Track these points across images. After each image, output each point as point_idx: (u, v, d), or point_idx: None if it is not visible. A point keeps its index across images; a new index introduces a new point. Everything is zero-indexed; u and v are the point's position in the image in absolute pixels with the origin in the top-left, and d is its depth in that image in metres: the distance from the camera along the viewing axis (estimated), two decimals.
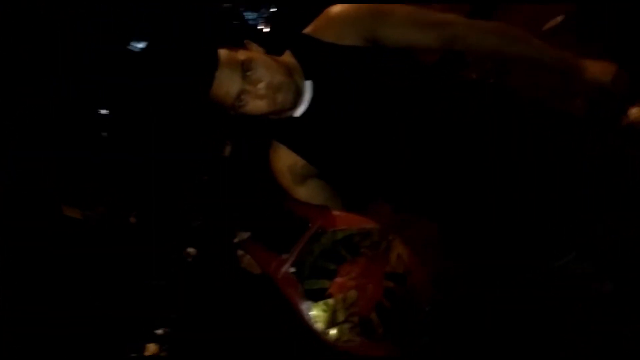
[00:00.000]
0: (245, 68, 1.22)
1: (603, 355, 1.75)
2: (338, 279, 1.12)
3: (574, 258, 1.32)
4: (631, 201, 1.46)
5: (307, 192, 1.34)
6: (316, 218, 1.20)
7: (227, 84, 1.21)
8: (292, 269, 1.13)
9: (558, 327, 1.91)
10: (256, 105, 1.24)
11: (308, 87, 1.29)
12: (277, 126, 1.35)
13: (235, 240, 1.22)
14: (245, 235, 1.22)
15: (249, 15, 3.10)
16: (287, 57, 1.33)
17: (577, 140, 1.29)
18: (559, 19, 2.46)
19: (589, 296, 1.84)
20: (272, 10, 3.12)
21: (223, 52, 1.22)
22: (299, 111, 1.30)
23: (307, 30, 1.32)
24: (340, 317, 1.09)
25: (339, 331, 1.08)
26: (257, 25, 3.07)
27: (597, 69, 1.25)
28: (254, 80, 1.22)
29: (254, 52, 1.27)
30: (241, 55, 1.23)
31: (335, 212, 1.22)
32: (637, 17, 2.07)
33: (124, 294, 2.19)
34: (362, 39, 1.28)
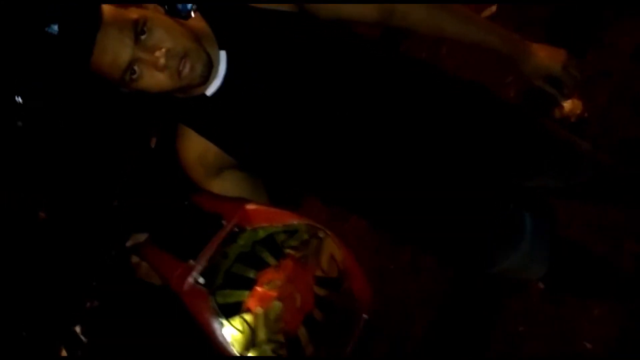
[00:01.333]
0: (138, 30, 0.97)
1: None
2: (258, 289, 0.91)
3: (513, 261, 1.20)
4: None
5: (223, 186, 1.12)
6: (231, 214, 0.98)
7: (113, 49, 0.95)
8: (201, 279, 0.91)
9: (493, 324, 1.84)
10: (154, 78, 1.00)
11: (222, 58, 1.07)
12: (183, 106, 1.12)
13: (129, 244, 0.98)
14: (141, 237, 0.98)
15: None
16: (196, 20, 1.10)
17: (509, 123, 1.20)
18: (494, 8, 2.42)
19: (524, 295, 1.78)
20: None
21: (108, 9, 0.96)
22: (210, 88, 1.08)
23: None
24: (262, 335, 0.88)
25: (259, 354, 0.87)
26: None
27: (547, 54, 1.16)
28: (151, 46, 0.97)
29: (151, 11, 1.03)
30: (133, 13, 0.99)
31: (254, 206, 1.00)
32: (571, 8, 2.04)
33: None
34: (291, 3, 1.09)
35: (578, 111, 1.87)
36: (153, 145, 2.06)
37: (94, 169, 1.92)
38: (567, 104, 1.87)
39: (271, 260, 0.94)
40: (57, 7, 0.92)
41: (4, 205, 1.80)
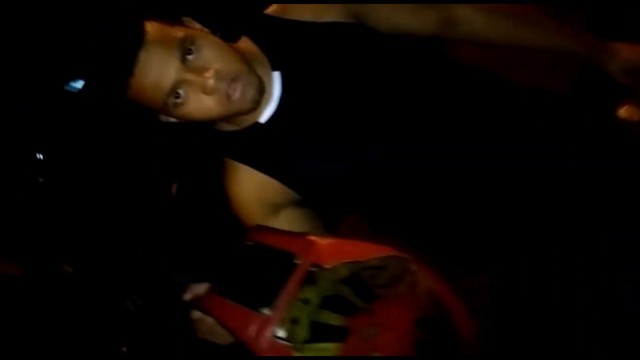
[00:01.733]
0: (185, 49, 0.86)
1: None
2: (352, 339, 0.75)
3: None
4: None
5: (282, 226, 0.98)
6: (304, 251, 0.82)
7: (157, 69, 0.83)
8: (281, 332, 0.75)
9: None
10: (201, 103, 0.88)
11: (276, 80, 0.95)
12: (232, 140, 0.99)
13: (187, 297, 0.82)
14: (201, 288, 0.82)
15: None
16: (244, 43, 0.99)
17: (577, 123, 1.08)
18: None
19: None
20: None
21: (152, 25, 0.86)
22: (265, 115, 0.96)
23: (270, 10, 1.00)
24: None
25: None
26: None
27: (632, 50, 1.10)
28: (199, 67, 0.86)
29: (199, 30, 0.92)
30: (180, 31, 0.88)
31: (329, 240, 0.85)
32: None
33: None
34: (347, 13, 0.98)
35: (636, 119, 1.73)
36: (174, 191, 1.93)
37: (116, 219, 1.79)
38: (623, 111, 1.73)
39: (360, 303, 0.78)
40: (99, 22, 0.79)
41: (31, 260, 1.69)
